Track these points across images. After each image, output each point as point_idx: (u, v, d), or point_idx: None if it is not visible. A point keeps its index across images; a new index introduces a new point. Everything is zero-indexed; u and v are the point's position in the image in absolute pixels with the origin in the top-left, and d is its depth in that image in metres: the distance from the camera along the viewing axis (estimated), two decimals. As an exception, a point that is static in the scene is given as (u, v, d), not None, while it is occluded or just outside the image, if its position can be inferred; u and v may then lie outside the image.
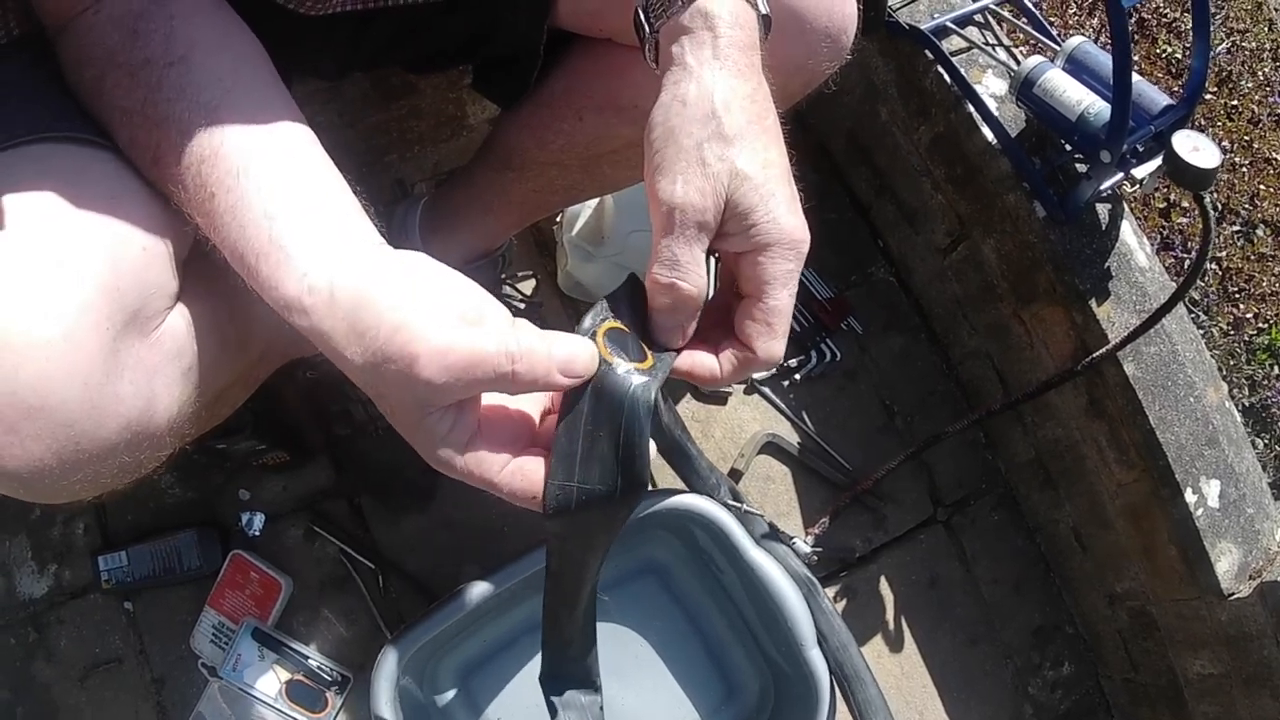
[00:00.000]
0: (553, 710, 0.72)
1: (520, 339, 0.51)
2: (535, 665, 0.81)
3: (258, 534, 1.19)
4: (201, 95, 0.54)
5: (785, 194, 0.55)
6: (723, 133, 0.53)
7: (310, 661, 1.16)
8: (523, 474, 0.54)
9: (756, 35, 0.58)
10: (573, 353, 0.52)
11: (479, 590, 0.99)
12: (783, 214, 0.54)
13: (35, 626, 1.16)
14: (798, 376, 1.42)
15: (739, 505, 1.04)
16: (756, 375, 1.39)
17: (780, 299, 0.55)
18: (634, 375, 0.53)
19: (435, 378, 0.49)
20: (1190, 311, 1.42)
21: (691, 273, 0.55)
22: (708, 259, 0.56)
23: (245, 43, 0.59)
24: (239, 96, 0.55)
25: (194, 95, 0.54)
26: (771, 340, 0.56)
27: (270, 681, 1.13)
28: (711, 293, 0.60)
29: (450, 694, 1.12)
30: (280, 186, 0.53)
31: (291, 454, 1.19)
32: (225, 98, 0.55)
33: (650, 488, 0.56)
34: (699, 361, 0.58)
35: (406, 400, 0.51)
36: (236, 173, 0.53)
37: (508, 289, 1.35)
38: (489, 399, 0.56)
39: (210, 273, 0.62)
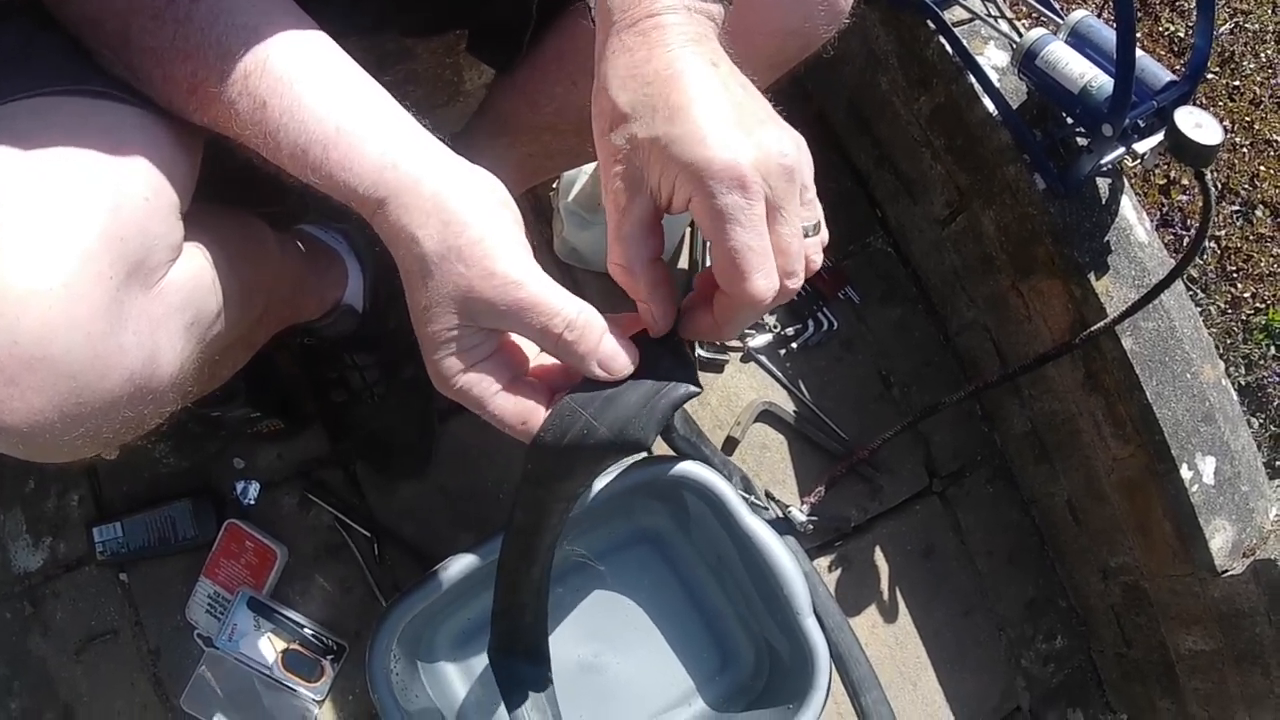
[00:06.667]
0: (508, 699, 0.71)
1: (583, 310, 0.53)
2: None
3: (252, 503, 1.19)
4: (237, 18, 0.54)
5: (700, 131, 0.49)
6: (620, 114, 0.52)
7: (306, 630, 1.16)
8: (515, 400, 0.55)
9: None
10: (614, 354, 0.54)
11: (473, 559, 0.99)
12: (698, 148, 0.49)
13: (30, 600, 1.16)
14: (794, 345, 1.41)
15: (748, 497, 1.04)
16: (753, 343, 1.38)
17: (734, 238, 0.49)
18: (693, 368, 0.57)
19: (496, 301, 0.51)
20: (1188, 289, 1.42)
21: (632, 248, 0.54)
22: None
23: None
24: (277, 16, 0.56)
25: (229, 19, 0.54)
26: (741, 283, 0.50)
27: (266, 650, 1.13)
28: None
29: (445, 662, 1.12)
30: (337, 87, 0.55)
31: (286, 422, 1.19)
32: (262, 18, 0.55)
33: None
34: (697, 319, 0.57)
35: (449, 300, 0.52)
36: (289, 80, 0.53)
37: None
38: None
39: (213, 226, 0.62)
